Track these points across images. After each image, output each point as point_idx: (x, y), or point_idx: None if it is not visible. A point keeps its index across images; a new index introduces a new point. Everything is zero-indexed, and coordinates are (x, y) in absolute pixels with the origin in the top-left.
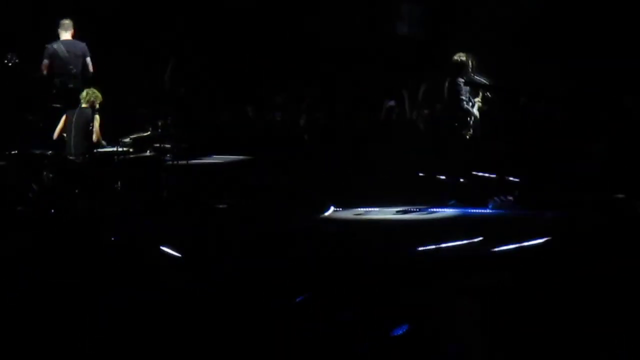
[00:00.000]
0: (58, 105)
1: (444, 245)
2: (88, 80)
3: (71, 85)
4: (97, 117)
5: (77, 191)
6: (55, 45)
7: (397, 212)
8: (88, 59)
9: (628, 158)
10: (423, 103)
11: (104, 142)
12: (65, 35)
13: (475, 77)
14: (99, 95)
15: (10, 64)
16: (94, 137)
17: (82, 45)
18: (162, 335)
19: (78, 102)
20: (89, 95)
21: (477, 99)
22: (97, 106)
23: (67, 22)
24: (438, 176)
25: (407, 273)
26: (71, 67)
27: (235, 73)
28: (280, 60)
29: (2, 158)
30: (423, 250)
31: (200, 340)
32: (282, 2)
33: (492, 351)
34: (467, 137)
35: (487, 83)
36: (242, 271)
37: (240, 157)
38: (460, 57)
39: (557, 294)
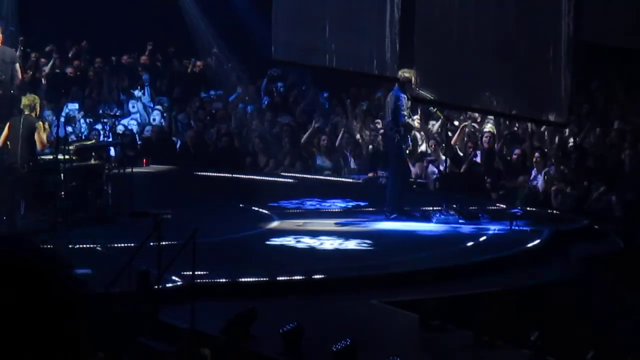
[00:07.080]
0: None
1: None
2: (15, 88)
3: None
4: (40, 123)
5: (20, 199)
6: None
7: (337, 223)
8: (17, 66)
9: None
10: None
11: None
12: None
13: (420, 91)
14: (38, 100)
15: None
16: (39, 145)
17: (11, 52)
18: None
19: (13, 109)
20: (30, 102)
21: (416, 117)
22: (38, 112)
23: None
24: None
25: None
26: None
27: None
28: None
29: None
30: (366, 264)
31: None
32: None
33: None
34: (407, 151)
35: (432, 98)
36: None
37: None
38: (404, 73)
39: None
